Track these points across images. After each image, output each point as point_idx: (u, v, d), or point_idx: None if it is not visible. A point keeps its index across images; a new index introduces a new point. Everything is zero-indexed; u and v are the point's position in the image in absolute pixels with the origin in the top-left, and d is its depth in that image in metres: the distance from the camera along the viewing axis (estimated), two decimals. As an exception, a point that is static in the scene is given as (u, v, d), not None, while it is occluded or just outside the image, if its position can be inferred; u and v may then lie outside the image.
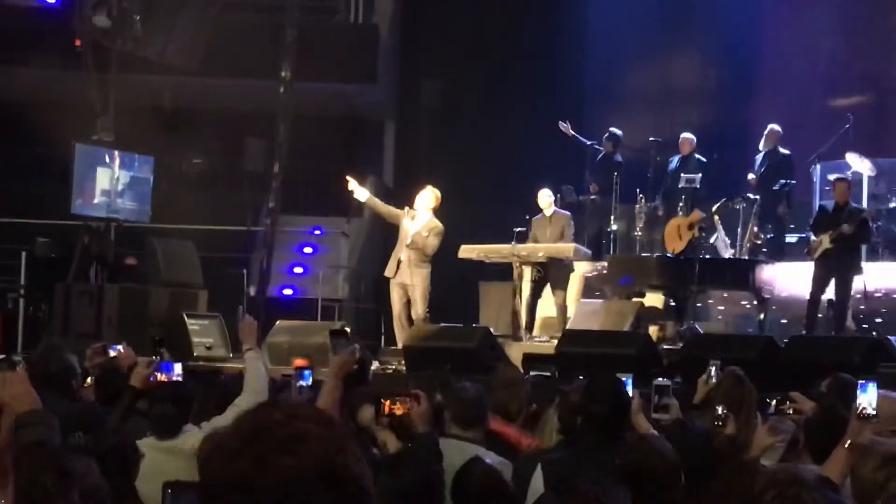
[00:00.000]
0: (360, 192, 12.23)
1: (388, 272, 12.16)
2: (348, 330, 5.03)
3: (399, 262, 12.07)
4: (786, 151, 14.69)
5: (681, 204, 14.16)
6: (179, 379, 6.19)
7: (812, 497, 2.63)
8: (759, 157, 14.59)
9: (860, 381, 4.13)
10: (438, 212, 12.21)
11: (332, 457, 1.77)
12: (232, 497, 1.75)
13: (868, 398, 4.09)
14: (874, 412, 4.07)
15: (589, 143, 15.35)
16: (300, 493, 1.74)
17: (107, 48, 14.20)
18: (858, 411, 4.08)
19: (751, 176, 14.48)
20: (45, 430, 4.16)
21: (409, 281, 12.04)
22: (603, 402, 4.87)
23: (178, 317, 12.76)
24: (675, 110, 16.27)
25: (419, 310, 12.02)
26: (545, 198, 13.34)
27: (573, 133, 15.19)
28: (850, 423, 4.04)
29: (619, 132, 15.31)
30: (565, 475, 3.53)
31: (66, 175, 13.63)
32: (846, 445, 3.94)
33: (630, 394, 5.29)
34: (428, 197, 12.20)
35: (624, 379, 5.36)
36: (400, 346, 11.96)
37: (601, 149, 15.26)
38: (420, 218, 12.14)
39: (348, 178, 12.24)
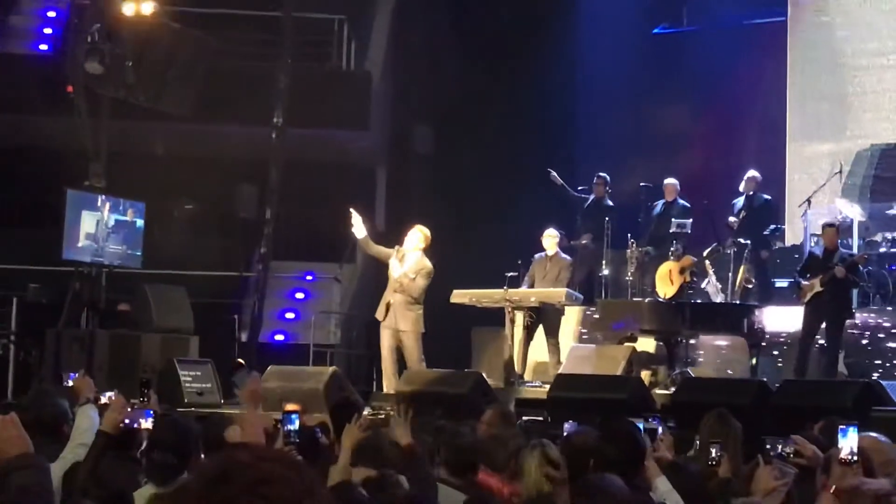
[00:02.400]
0: (359, 230, 12.15)
1: (378, 315, 12.12)
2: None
3: (388, 306, 12.02)
4: (767, 196, 14.80)
5: (672, 248, 14.20)
6: (149, 427, 6.09)
7: None
8: (739, 201, 14.67)
9: (840, 427, 4.12)
10: (429, 252, 12.15)
11: (301, 499, 1.76)
12: None
13: (849, 442, 4.09)
14: (855, 457, 4.07)
15: (575, 192, 15.40)
16: None
17: (99, 94, 14.24)
18: (841, 456, 4.08)
19: (731, 219, 14.55)
20: (36, 473, 4.14)
21: (399, 326, 11.98)
22: (618, 444, 4.84)
23: (169, 363, 12.73)
24: (664, 156, 16.35)
25: (413, 357, 11.92)
26: (550, 238, 13.36)
27: (561, 182, 15.26)
28: (832, 467, 4.04)
29: (607, 176, 15.39)
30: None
31: (58, 221, 13.63)
32: (831, 491, 3.94)
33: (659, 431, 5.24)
34: (417, 237, 12.14)
35: (652, 419, 5.31)
36: (386, 390, 11.92)
37: (588, 196, 15.34)
38: (408, 259, 12.07)
39: (353, 210, 12.14)
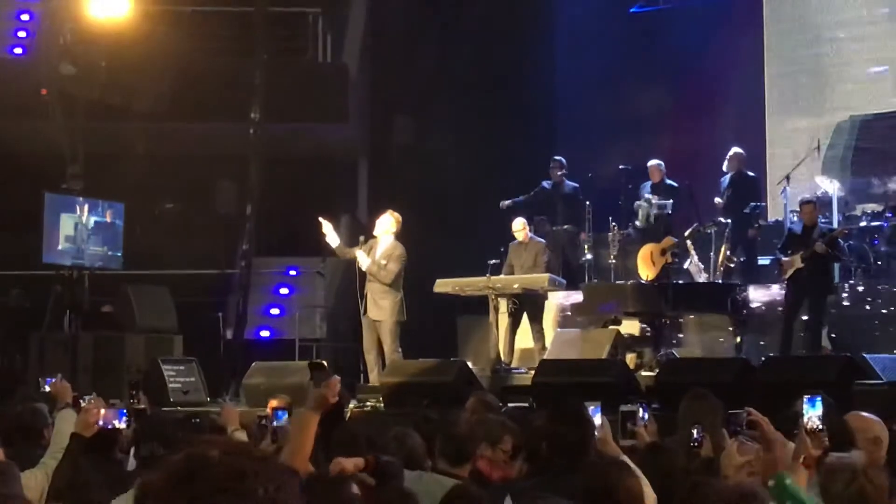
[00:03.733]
0: (332, 238, 12.07)
1: (362, 309, 12.09)
2: (325, 363, 4.92)
3: (366, 298, 11.96)
4: (751, 174, 14.80)
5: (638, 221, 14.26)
6: (123, 426, 6.07)
7: None
8: (725, 180, 14.67)
9: (807, 396, 4.16)
10: (401, 237, 12.07)
11: (273, 494, 1.73)
12: None
13: (816, 412, 4.14)
14: (821, 425, 4.12)
15: (527, 195, 15.22)
16: None
17: (74, 96, 14.19)
18: (807, 426, 4.11)
19: (717, 200, 14.57)
20: (6, 481, 4.13)
21: (374, 316, 11.94)
22: (567, 425, 4.86)
23: (154, 363, 12.71)
24: (644, 137, 16.35)
25: (388, 348, 11.86)
26: (518, 225, 13.40)
27: (510, 202, 14.97)
28: (798, 437, 4.07)
29: (562, 159, 15.30)
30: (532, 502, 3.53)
31: (37, 225, 13.58)
32: (801, 460, 3.97)
33: (598, 420, 5.26)
34: (388, 221, 12.03)
35: (593, 407, 5.33)
36: (371, 382, 11.90)
37: (547, 186, 15.29)
38: (381, 244, 11.98)
39: (322, 220, 12.08)
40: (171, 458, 1.78)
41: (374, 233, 12.03)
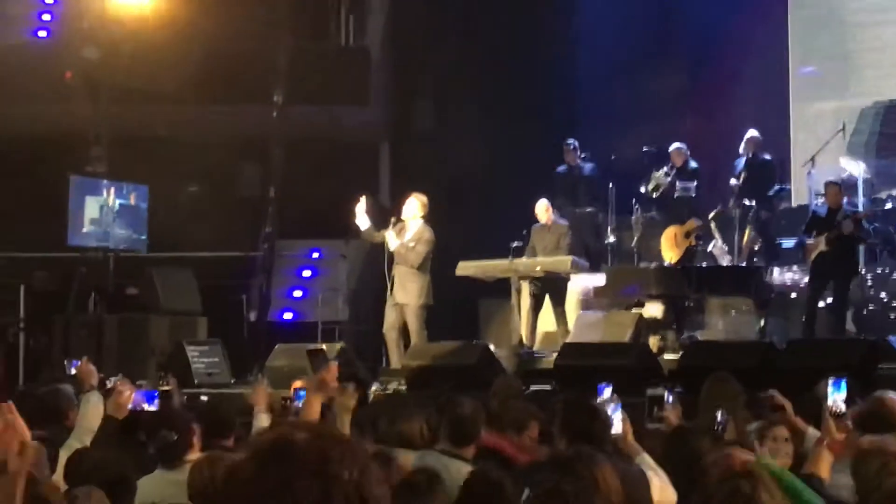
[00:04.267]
0: (363, 220, 12.07)
1: (390, 291, 12.10)
2: (325, 348, 4.93)
3: (393, 281, 11.99)
4: (767, 157, 14.73)
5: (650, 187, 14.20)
6: (154, 409, 6.13)
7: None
8: (740, 163, 14.59)
9: (832, 379, 4.14)
10: (429, 219, 12.08)
11: (356, 478, 1.75)
12: None
13: (841, 395, 4.11)
14: (845, 409, 4.10)
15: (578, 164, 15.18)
16: None
17: (98, 79, 14.23)
18: (832, 409, 4.10)
19: (733, 181, 14.49)
20: (35, 462, 4.16)
21: (399, 299, 11.95)
22: (582, 417, 4.85)
23: (178, 345, 12.77)
24: (667, 119, 16.29)
25: (413, 331, 11.86)
26: (541, 207, 13.37)
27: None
28: (823, 421, 4.05)
29: (575, 142, 15.28)
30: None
31: (62, 207, 13.65)
32: (825, 443, 3.96)
33: (618, 417, 5.22)
34: (415, 205, 12.04)
35: (613, 405, 5.29)
36: (392, 364, 11.92)
37: (561, 171, 15.28)
38: (409, 228, 12.00)
39: (361, 198, 12.02)
40: (257, 440, 1.79)
41: (402, 217, 12.05)
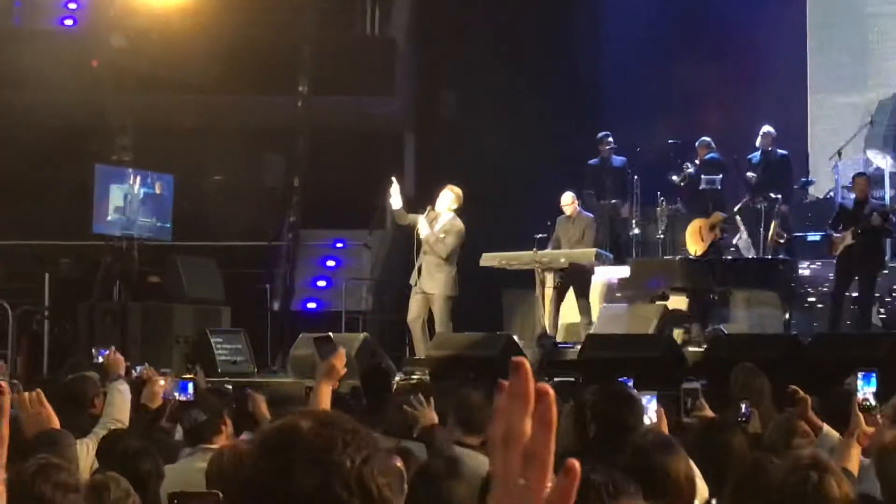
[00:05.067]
0: (396, 200, 12.10)
1: (412, 280, 12.11)
2: (332, 335, 4.88)
3: (420, 269, 11.99)
4: (783, 152, 14.66)
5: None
6: (191, 398, 6.16)
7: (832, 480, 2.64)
8: (756, 156, 14.52)
9: (861, 372, 4.12)
10: (461, 212, 12.08)
11: (359, 466, 1.76)
12: None
13: (871, 389, 4.10)
14: (874, 403, 4.08)
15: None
16: (326, 502, 1.74)
17: (124, 68, 14.27)
18: (861, 402, 4.07)
19: (750, 174, 14.42)
20: (61, 448, 4.18)
21: (427, 289, 11.96)
22: (616, 405, 4.83)
23: (203, 333, 12.80)
24: (690, 112, 16.23)
25: (439, 320, 11.89)
26: (567, 199, 13.34)
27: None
28: (852, 415, 4.02)
29: (608, 134, 15.23)
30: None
31: (87, 196, 13.70)
32: (854, 437, 3.93)
33: (653, 408, 5.20)
34: (449, 197, 12.05)
35: (648, 396, 5.27)
36: (418, 355, 11.93)
37: (595, 163, 15.24)
38: (441, 220, 12.01)
39: (394, 179, 12.06)
40: (266, 428, 1.83)
41: (436, 208, 12.05)
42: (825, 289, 13.18)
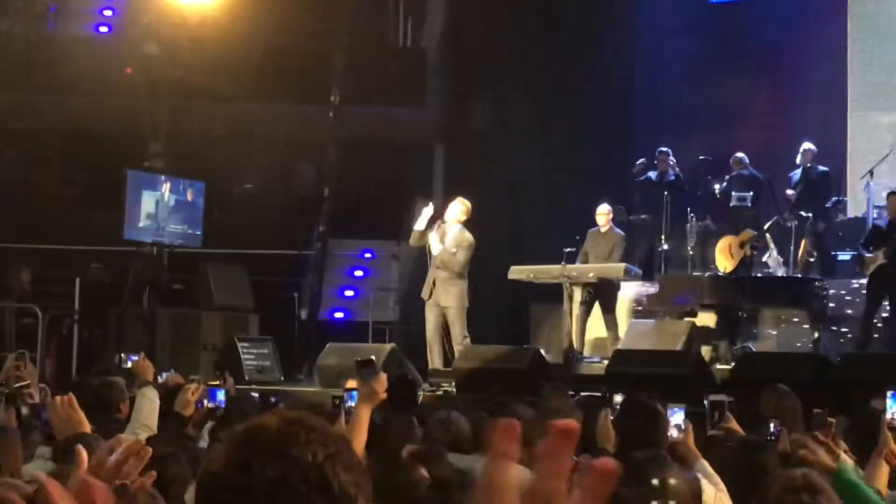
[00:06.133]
0: (422, 223, 12.02)
1: (424, 294, 12.05)
2: (374, 359, 4.88)
3: (433, 283, 11.96)
4: (824, 168, 14.58)
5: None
6: (222, 406, 6.19)
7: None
8: (796, 175, 14.46)
9: (891, 391, 4.09)
10: (469, 225, 12.05)
11: (320, 462, 1.80)
12: (222, 498, 1.81)
13: None
14: None
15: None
16: (285, 496, 1.79)
17: (157, 75, 14.36)
18: (891, 422, 4.04)
19: (789, 192, 14.37)
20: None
21: (442, 302, 11.93)
22: (639, 419, 4.82)
23: (231, 341, 12.83)
24: (724, 128, 16.18)
25: (457, 332, 11.86)
26: (602, 215, 13.29)
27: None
28: (881, 433, 4.00)
29: (669, 150, 15.25)
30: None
31: (119, 201, 13.78)
32: (883, 456, 3.91)
33: (679, 420, 5.18)
34: (458, 209, 12.01)
35: (676, 408, 5.25)
36: (432, 367, 11.91)
37: (653, 176, 15.22)
38: (449, 232, 11.99)
39: (431, 203, 12.08)
40: (238, 426, 1.89)
41: (445, 219, 12.02)
42: (855, 308, 13.09)
